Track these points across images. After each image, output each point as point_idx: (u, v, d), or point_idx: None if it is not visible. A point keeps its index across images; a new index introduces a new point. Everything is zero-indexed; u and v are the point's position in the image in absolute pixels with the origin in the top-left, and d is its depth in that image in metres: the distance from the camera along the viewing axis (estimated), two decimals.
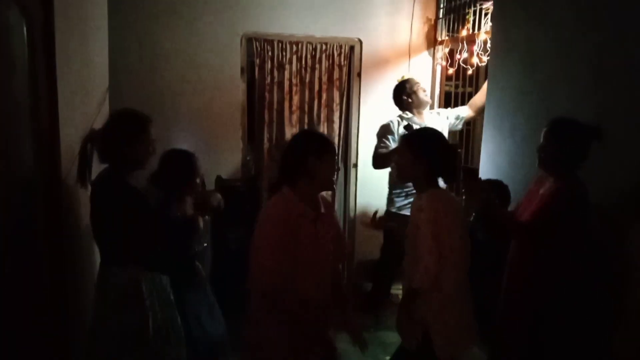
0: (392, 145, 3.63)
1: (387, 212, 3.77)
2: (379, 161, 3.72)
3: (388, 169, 3.79)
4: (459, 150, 2.36)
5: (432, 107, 4.15)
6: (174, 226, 2.44)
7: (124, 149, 2.11)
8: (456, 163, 2.24)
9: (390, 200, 3.76)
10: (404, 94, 3.77)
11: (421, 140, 2.23)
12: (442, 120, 3.83)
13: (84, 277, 2.45)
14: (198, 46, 4.13)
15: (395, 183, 3.72)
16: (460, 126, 3.90)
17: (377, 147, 3.74)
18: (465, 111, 3.87)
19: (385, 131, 3.72)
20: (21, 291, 1.80)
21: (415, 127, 3.49)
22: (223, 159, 4.26)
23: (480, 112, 3.68)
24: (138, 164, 2.20)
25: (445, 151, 2.20)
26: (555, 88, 2.72)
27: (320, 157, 1.96)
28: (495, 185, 2.85)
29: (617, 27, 2.31)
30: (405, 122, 3.65)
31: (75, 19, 2.25)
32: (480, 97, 3.70)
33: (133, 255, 2.12)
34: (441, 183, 2.27)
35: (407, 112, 3.77)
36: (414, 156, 2.15)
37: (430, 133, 2.35)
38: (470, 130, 4.24)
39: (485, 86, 3.57)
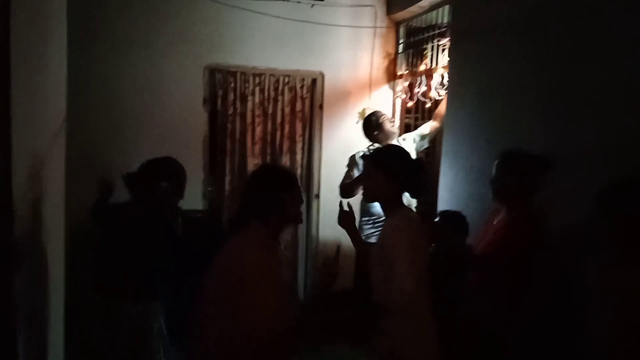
0: (357, 175, 3.67)
1: None
2: (342, 191, 3.77)
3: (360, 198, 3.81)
4: (424, 165, 2.31)
5: None
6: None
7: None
8: (422, 177, 2.18)
9: (359, 228, 3.78)
10: (371, 127, 3.82)
11: (386, 157, 2.21)
12: (409, 144, 3.89)
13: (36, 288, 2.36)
14: (160, 77, 4.12)
15: (364, 211, 3.75)
16: (426, 144, 3.95)
17: (344, 177, 3.80)
18: (427, 128, 3.93)
19: (351, 162, 3.78)
20: None
21: (363, 153, 3.54)
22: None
23: (436, 132, 3.78)
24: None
25: (410, 165, 2.18)
26: (508, 121, 2.82)
27: (291, 192, 1.96)
28: (453, 216, 2.91)
29: (567, 64, 2.43)
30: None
31: (32, 49, 2.21)
32: (442, 107, 3.80)
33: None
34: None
35: (376, 144, 3.83)
36: (381, 174, 2.12)
37: (393, 150, 2.36)
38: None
39: (441, 109, 3.69)
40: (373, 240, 3.55)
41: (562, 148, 2.38)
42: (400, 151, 2.29)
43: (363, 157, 2.40)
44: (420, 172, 2.19)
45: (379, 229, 3.58)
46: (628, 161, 2.05)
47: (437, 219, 3.00)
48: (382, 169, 2.12)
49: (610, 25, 2.18)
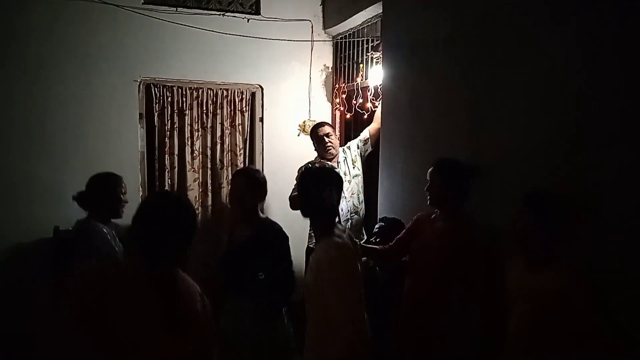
0: None
1: (307, 248, 3.84)
2: (292, 203, 3.77)
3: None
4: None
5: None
6: None
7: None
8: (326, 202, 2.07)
9: (309, 236, 3.82)
10: (314, 141, 3.89)
11: (304, 179, 2.21)
12: (353, 151, 3.94)
13: None
14: (93, 92, 4.02)
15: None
16: (370, 148, 3.96)
17: (293, 190, 3.80)
18: (367, 132, 3.98)
19: (298, 174, 3.75)
20: None
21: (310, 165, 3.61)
22: None
23: (377, 134, 3.84)
24: None
25: (317, 188, 2.08)
26: (438, 132, 2.95)
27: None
28: (393, 223, 3.01)
29: (485, 77, 2.58)
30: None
31: None
32: (374, 125, 3.88)
33: None
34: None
35: (319, 157, 3.89)
36: (299, 195, 2.15)
37: (313, 171, 2.34)
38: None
39: (378, 112, 3.79)
40: None
41: (484, 156, 2.52)
42: (315, 173, 2.28)
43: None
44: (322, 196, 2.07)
45: None
46: (543, 168, 2.19)
47: (377, 226, 3.09)
48: (309, 188, 2.12)
49: (525, 39, 2.33)
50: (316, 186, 2.08)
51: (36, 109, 3.86)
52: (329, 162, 3.83)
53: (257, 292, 2.52)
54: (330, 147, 3.85)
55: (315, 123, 4.04)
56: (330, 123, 4.19)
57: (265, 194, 2.70)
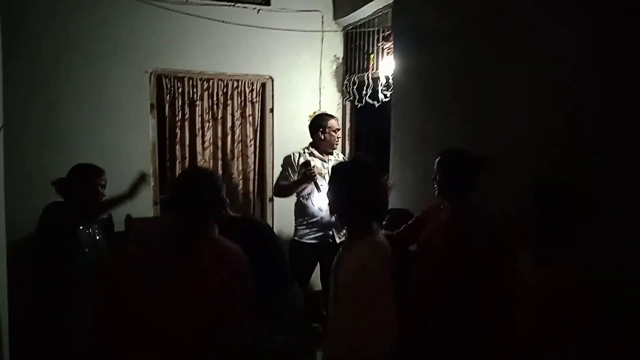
0: (292, 176, 3.65)
1: (292, 240, 3.74)
2: (278, 191, 3.78)
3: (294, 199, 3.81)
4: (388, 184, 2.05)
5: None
6: None
7: None
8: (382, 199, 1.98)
9: (295, 229, 3.79)
10: (319, 130, 3.72)
11: (349, 176, 2.00)
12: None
13: None
14: (105, 83, 4.04)
15: (299, 212, 3.73)
16: None
17: (278, 177, 3.77)
18: None
19: (286, 162, 3.73)
20: None
21: (313, 163, 3.56)
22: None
23: None
24: None
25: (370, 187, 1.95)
26: (449, 121, 2.94)
27: None
28: (402, 214, 3.00)
29: (494, 68, 2.56)
30: (306, 156, 3.65)
31: None
32: None
33: None
34: None
35: (312, 148, 3.75)
36: (337, 191, 1.98)
37: (357, 168, 2.08)
38: None
39: None
40: (306, 240, 3.61)
41: (494, 147, 2.50)
42: (365, 168, 2.06)
43: (333, 167, 2.15)
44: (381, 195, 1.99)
45: (314, 229, 3.61)
46: (552, 160, 2.18)
47: (387, 216, 3.08)
48: (338, 187, 1.98)
49: (533, 29, 2.31)
50: (368, 183, 1.95)
51: (49, 100, 3.89)
52: (317, 154, 3.72)
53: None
54: (337, 144, 3.79)
55: (323, 113, 3.94)
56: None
57: None
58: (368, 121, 4.62)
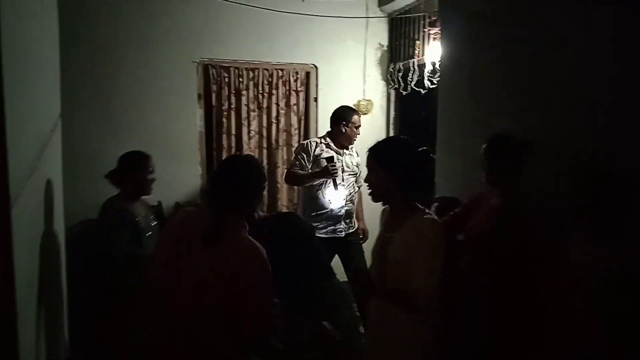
0: (307, 165, 3.62)
1: None
2: (291, 178, 3.74)
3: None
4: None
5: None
6: None
7: None
8: (431, 169, 2.04)
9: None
10: (342, 122, 3.65)
11: (392, 153, 2.03)
12: (353, 160, 3.74)
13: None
14: (155, 73, 4.15)
15: (309, 204, 3.68)
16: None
17: (291, 164, 3.75)
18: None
19: (301, 149, 3.71)
20: None
21: (328, 155, 3.51)
22: (181, 185, 4.23)
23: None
24: None
25: (418, 161, 2.01)
26: (499, 106, 2.85)
27: None
28: (451, 202, 2.95)
29: (549, 51, 2.46)
30: (322, 147, 3.65)
31: (25, 50, 2.23)
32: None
33: None
34: None
35: (330, 139, 3.70)
36: (388, 172, 1.98)
37: (400, 143, 2.13)
38: None
39: None
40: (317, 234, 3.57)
41: (544, 132, 2.42)
42: (402, 143, 2.12)
43: (369, 150, 2.12)
44: (427, 163, 2.03)
45: (323, 222, 3.58)
46: (603, 145, 2.08)
47: (433, 206, 3.04)
48: (385, 166, 1.99)
49: (583, 11, 2.21)
50: (414, 156, 2.01)
51: (102, 89, 4.04)
52: (333, 146, 3.67)
53: None
54: (354, 140, 3.70)
55: (348, 107, 3.82)
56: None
57: None
58: (413, 109, 4.56)
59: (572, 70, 2.27)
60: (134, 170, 2.78)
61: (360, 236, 3.84)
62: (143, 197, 2.89)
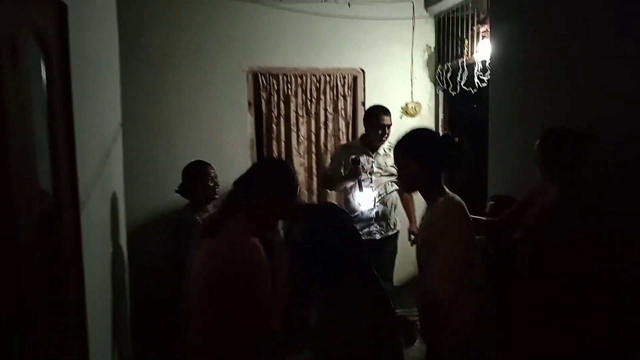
0: (339, 169, 3.60)
1: None
2: (326, 182, 3.75)
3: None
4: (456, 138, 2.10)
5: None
6: None
7: None
8: (455, 153, 2.04)
9: None
10: (370, 121, 3.60)
11: (411, 143, 2.09)
12: (388, 160, 3.55)
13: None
14: (205, 82, 4.28)
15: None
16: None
17: (328, 167, 3.75)
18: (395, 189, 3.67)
19: (334, 154, 3.72)
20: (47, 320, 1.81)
21: (362, 161, 3.47)
22: None
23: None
24: None
25: (438, 144, 2.07)
26: (553, 99, 2.78)
27: None
28: (506, 200, 2.88)
29: (606, 42, 2.38)
30: (354, 149, 3.60)
31: (89, 62, 2.36)
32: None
33: None
34: None
35: (362, 140, 3.67)
36: (414, 162, 2.04)
37: (419, 134, 2.17)
38: None
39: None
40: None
41: (602, 126, 2.33)
42: (426, 133, 2.19)
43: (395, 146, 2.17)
44: (450, 148, 2.06)
45: (357, 225, 3.37)
46: None
47: (488, 204, 2.97)
48: (411, 157, 2.04)
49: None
50: (434, 143, 2.07)
51: (156, 99, 4.20)
52: (360, 147, 3.63)
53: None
54: (385, 139, 3.61)
55: (379, 106, 3.70)
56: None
57: None
58: (463, 109, 4.49)
59: (630, 65, 2.18)
60: (197, 180, 2.86)
61: (411, 237, 3.75)
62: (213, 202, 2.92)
